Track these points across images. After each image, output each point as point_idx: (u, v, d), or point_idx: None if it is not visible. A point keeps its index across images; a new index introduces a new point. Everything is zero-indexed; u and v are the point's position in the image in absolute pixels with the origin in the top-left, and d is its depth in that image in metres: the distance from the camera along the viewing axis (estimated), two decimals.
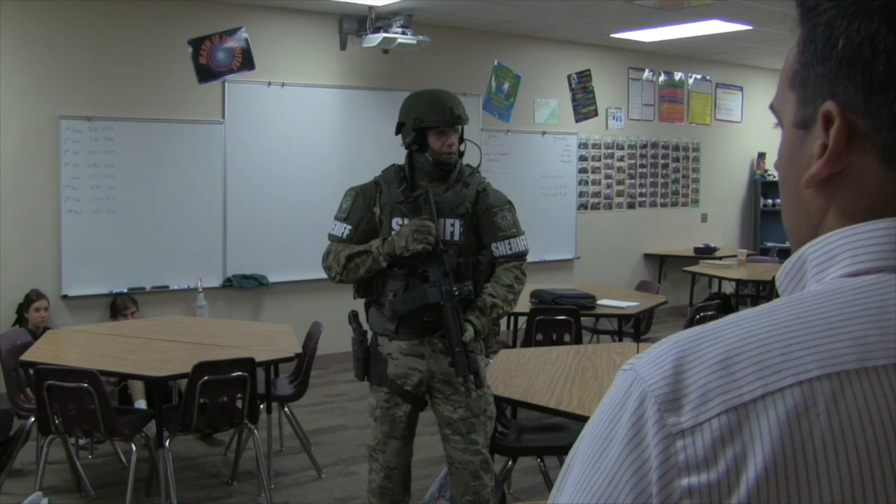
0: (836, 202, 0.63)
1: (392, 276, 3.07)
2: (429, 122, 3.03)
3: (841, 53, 0.60)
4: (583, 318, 5.34)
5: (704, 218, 10.15)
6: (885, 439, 0.53)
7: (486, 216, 3.10)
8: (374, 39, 6.67)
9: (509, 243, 3.10)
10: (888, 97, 0.58)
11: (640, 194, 9.48)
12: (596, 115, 8.89)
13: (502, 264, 3.11)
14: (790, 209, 0.69)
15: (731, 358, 0.56)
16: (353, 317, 3.17)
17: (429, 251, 2.97)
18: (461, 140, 3.13)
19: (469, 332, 2.96)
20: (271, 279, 6.89)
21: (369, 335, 3.22)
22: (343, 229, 3.16)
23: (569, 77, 8.69)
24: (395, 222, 3.09)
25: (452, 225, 3.07)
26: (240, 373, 3.85)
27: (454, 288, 2.95)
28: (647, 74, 9.38)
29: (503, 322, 5.52)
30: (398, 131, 3.16)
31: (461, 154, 3.15)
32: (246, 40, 6.71)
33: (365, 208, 3.15)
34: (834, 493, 0.52)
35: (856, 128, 0.60)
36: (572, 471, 0.61)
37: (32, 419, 4.16)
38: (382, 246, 3.02)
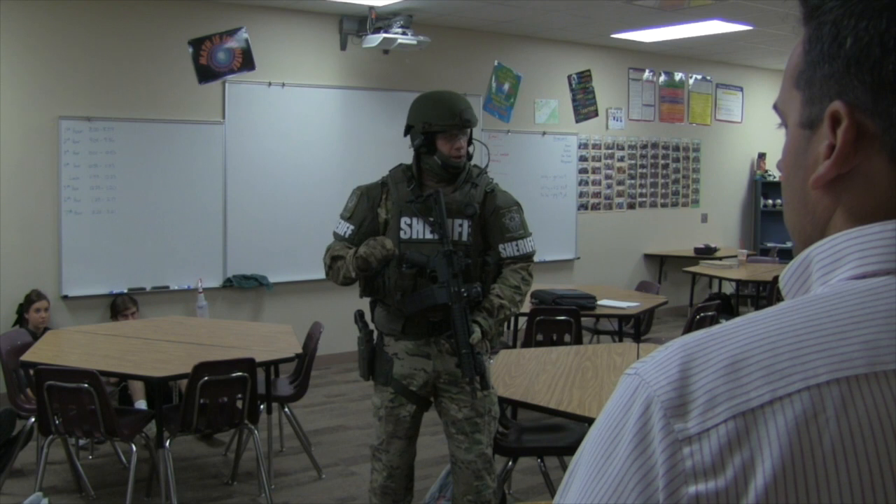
0: (844, 203, 0.62)
1: (400, 277, 3.03)
2: (437, 125, 3.03)
3: (849, 52, 0.59)
4: (583, 319, 5.33)
5: (704, 218, 10.14)
6: (895, 445, 0.52)
7: (494, 217, 3.11)
8: (375, 40, 6.67)
9: (517, 245, 3.11)
10: None
11: (641, 195, 9.47)
12: (596, 115, 8.88)
13: (509, 265, 3.11)
14: (795, 210, 0.68)
15: (739, 362, 0.56)
16: (359, 316, 3.15)
17: (389, 258, 2.99)
18: (470, 142, 3.14)
19: (476, 334, 2.95)
20: (271, 279, 6.88)
21: (375, 335, 3.21)
22: (346, 229, 3.15)
23: (569, 77, 8.68)
24: (404, 222, 3.08)
25: (461, 226, 3.07)
26: (240, 373, 3.85)
27: (462, 289, 2.93)
28: (647, 75, 9.37)
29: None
30: (406, 133, 3.14)
31: (470, 156, 3.16)
32: (246, 40, 6.70)
33: (369, 209, 3.13)
34: (844, 500, 0.51)
35: (864, 128, 0.59)
36: (576, 476, 0.60)
37: (32, 419, 4.15)
38: (355, 260, 3.01)
